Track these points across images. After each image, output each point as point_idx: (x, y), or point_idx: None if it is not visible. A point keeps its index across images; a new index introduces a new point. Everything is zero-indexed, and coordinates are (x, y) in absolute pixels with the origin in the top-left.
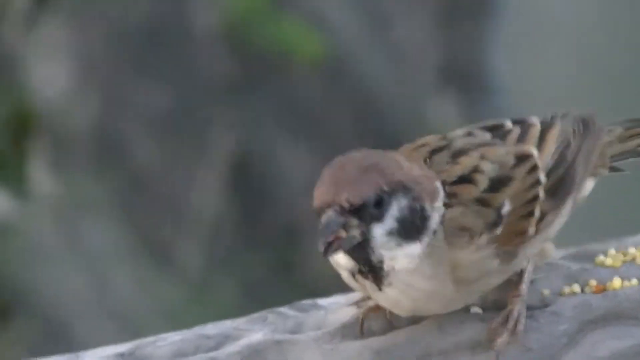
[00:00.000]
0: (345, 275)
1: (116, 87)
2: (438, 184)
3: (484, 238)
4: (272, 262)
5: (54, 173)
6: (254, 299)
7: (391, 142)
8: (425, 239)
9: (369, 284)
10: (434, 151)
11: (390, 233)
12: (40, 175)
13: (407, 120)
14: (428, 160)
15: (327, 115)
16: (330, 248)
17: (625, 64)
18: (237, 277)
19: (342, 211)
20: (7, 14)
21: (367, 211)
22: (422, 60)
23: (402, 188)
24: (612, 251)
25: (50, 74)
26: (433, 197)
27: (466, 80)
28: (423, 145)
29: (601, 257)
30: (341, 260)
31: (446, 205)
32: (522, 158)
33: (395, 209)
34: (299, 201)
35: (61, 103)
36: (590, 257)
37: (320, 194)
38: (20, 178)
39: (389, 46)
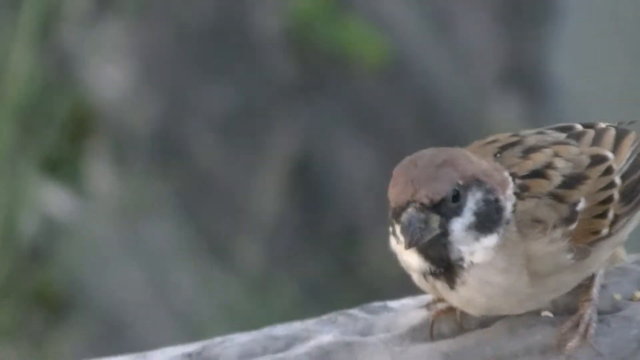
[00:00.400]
0: (416, 277)
1: (179, 87)
2: (506, 174)
3: (558, 231)
4: (333, 262)
5: (115, 173)
6: (315, 298)
7: (452, 142)
8: (501, 230)
9: (440, 285)
10: (505, 147)
11: (469, 227)
12: (101, 174)
13: (468, 121)
14: (498, 155)
15: (389, 116)
16: (414, 244)
17: None
18: (298, 277)
19: (423, 208)
20: (69, 13)
21: (447, 206)
22: (484, 61)
23: (475, 181)
24: None
25: (112, 73)
26: (504, 187)
27: (528, 81)
28: (493, 141)
29: None
30: (414, 262)
31: (518, 197)
32: (597, 159)
33: (472, 202)
34: (360, 201)
35: (123, 103)
36: None
37: (397, 193)
38: (78, 177)
39: (451, 47)
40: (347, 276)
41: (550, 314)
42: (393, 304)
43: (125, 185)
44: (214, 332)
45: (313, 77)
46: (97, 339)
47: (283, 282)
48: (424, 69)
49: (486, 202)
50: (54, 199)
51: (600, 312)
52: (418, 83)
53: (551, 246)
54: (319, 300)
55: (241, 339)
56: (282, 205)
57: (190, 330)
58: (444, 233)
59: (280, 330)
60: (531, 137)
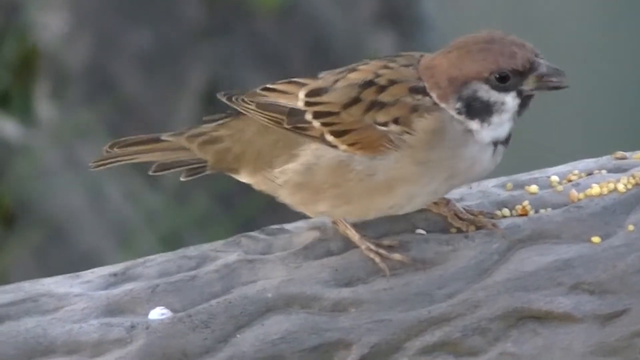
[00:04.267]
0: None
1: (106, 31)
2: None
3: None
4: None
5: (56, 104)
6: (226, 210)
7: None
8: None
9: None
10: None
11: None
12: (44, 106)
13: (351, 53)
14: None
15: (285, 50)
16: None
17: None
18: (209, 189)
19: None
20: None
21: None
22: (363, 1)
23: None
24: (536, 179)
25: (50, 21)
26: None
27: (400, 19)
28: None
29: (526, 186)
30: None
31: None
32: None
33: None
34: None
35: (60, 44)
36: (518, 186)
37: (521, 55)
38: (26, 108)
39: None
40: (253, 192)
41: (424, 232)
42: (289, 226)
43: (64, 114)
44: (139, 238)
45: (220, 19)
46: (42, 247)
47: (196, 193)
48: (313, 10)
49: None
50: (6, 127)
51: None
52: (308, 23)
53: None
54: (228, 212)
55: (159, 260)
56: None
57: (119, 235)
58: None
59: (192, 251)
60: None
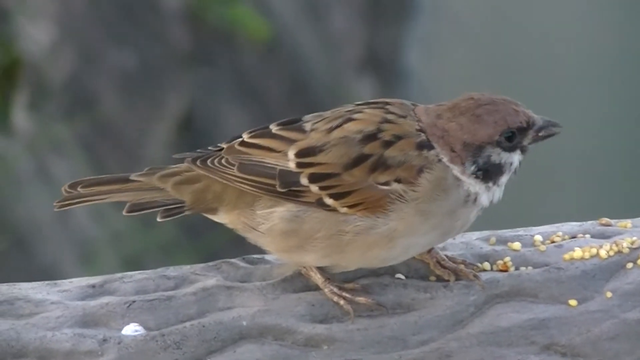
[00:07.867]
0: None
1: (91, 47)
2: None
3: None
4: None
5: (32, 114)
6: (189, 237)
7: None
8: None
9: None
10: None
11: None
12: (20, 115)
13: (330, 96)
14: None
15: (265, 86)
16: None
17: (514, 59)
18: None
19: None
20: None
21: None
22: (348, 46)
23: None
24: (520, 237)
25: (36, 32)
26: None
27: (383, 67)
28: None
29: (510, 242)
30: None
31: None
32: None
33: None
34: None
35: (44, 56)
36: (501, 241)
37: (522, 114)
38: (5, 117)
39: (321, 33)
40: (220, 225)
41: (403, 277)
42: (269, 257)
43: (40, 125)
44: (101, 257)
45: (205, 49)
46: (4, 254)
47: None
48: (297, 50)
49: None
50: None
51: (443, 280)
52: (291, 60)
53: None
54: (193, 241)
55: (138, 277)
56: (169, 153)
57: (81, 253)
58: None
59: (172, 271)
60: None
